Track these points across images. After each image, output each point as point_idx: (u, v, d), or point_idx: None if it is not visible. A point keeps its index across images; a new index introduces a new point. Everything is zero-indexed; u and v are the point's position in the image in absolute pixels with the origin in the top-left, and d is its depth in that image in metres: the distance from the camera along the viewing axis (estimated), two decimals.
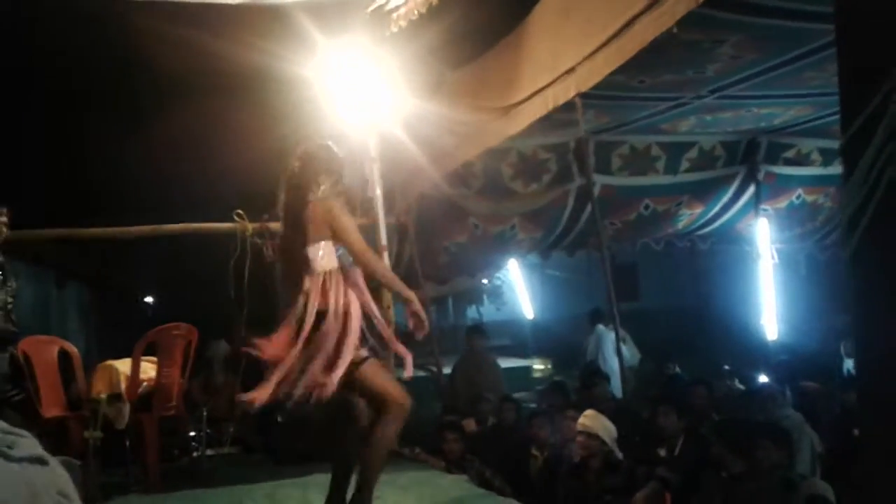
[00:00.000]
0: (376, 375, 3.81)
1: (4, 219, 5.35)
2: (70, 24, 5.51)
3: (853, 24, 1.61)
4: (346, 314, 3.64)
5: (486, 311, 15.86)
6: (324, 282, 3.63)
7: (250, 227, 6.32)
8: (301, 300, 3.62)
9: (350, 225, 3.71)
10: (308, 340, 3.59)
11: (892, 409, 1.62)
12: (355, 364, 3.67)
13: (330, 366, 3.59)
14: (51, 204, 7.12)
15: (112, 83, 6.33)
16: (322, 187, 3.77)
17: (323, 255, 3.66)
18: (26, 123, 6.66)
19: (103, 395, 5.36)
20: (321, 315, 3.60)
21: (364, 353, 3.72)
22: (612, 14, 4.15)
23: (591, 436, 5.07)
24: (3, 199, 5.54)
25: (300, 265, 3.67)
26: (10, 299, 5.47)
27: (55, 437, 5.91)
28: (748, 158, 8.33)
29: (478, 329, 8.62)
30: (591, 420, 5.17)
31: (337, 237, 3.69)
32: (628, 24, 4.04)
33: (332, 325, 3.59)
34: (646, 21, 3.93)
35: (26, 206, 5.96)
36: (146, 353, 5.53)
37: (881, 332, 1.61)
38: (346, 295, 3.67)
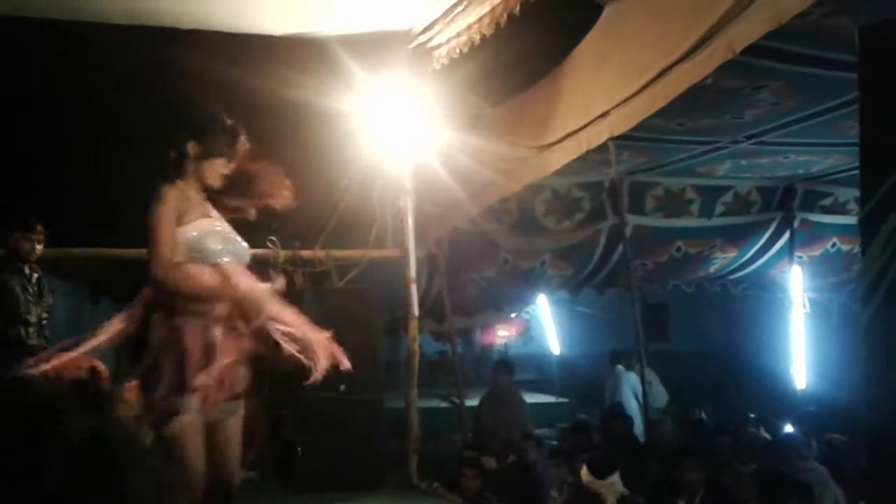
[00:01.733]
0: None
1: (40, 236, 5.47)
2: (111, 59, 5.66)
3: (875, 105, 1.63)
4: None
5: (514, 345, 15.80)
6: None
7: (282, 254, 6.39)
8: None
9: (157, 217, 3.10)
10: None
11: None
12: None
13: None
14: (90, 223, 7.26)
15: (150, 115, 6.47)
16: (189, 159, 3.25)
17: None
18: (69, 148, 6.81)
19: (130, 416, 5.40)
20: None
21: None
22: (647, 62, 4.17)
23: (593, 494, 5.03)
24: (41, 216, 5.68)
25: None
26: (44, 315, 5.59)
27: None
28: (784, 205, 8.27)
29: (504, 364, 8.59)
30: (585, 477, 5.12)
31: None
32: (663, 72, 4.05)
33: None
34: (681, 70, 3.93)
35: (65, 225, 6.10)
36: None
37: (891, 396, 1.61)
38: None
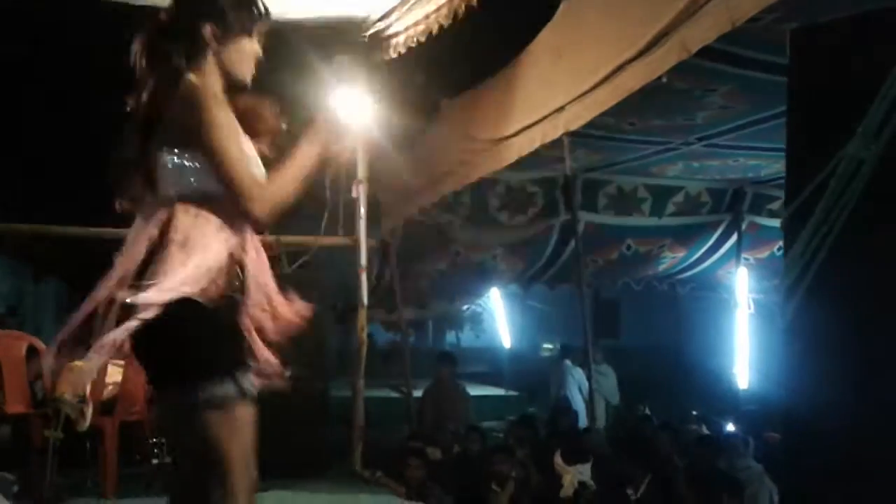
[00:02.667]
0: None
1: None
2: (49, 32, 5.53)
3: (802, 115, 1.67)
4: None
5: (466, 338, 15.86)
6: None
7: None
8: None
9: (224, 126, 2.20)
10: None
11: (818, 472, 1.66)
12: None
13: None
14: (36, 201, 7.12)
15: (96, 89, 6.37)
16: (211, 45, 2.32)
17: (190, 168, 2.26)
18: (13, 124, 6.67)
19: (67, 396, 5.32)
20: None
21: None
22: (602, 59, 4.19)
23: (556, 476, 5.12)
24: None
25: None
26: None
27: (17, 434, 5.89)
28: (733, 207, 8.39)
29: (447, 356, 8.60)
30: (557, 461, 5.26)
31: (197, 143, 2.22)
32: (618, 69, 4.08)
33: None
34: (636, 68, 3.96)
35: (10, 201, 5.98)
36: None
37: (808, 394, 1.66)
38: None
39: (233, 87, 2.38)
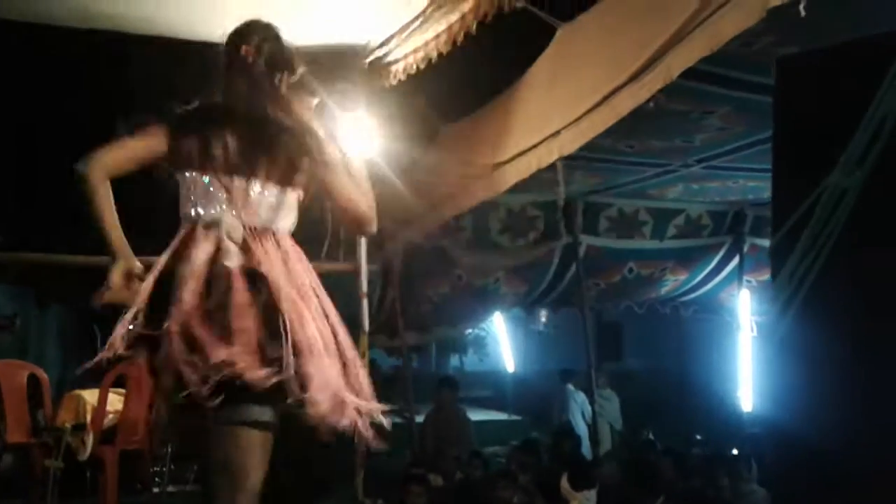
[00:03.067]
0: None
1: None
2: (63, 61, 5.59)
3: (787, 144, 1.69)
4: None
5: (469, 362, 15.82)
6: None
7: None
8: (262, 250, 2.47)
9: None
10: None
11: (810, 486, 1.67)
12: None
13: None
14: (38, 230, 7.15)
15: (99, 114, 6.40)
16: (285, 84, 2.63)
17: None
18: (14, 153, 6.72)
19: (68, 425, 5.32)
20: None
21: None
22: (596, 83, 4.22)
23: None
24: None
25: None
26: None
27: (18, 464, 5.88)
28: (734, 229, 8.40)
29: (448, 381, 8.56)
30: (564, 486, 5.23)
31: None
32: (610, 94, 4.11)
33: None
34: (627, 92, 3.99)
35: (12, 230, 6.01)
36: (115, 385, 5.50)
37: (798, 409, 1.67)
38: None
39: None
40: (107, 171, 2.48)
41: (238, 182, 2.45)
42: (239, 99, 2.52)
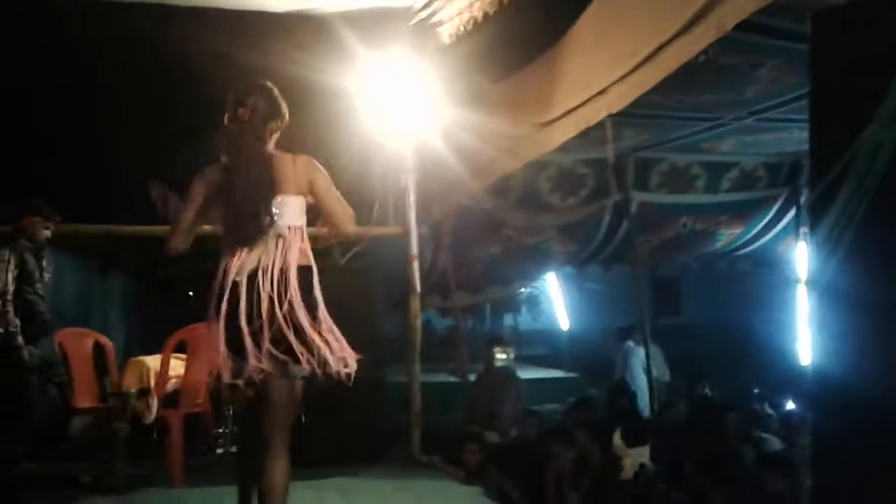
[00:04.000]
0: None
1: (52, 226, 5.56)
2: (116, 38, 5.68)
3: (823, 99, 1.66)
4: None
5: (523, 320, 15.86)
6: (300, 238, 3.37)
7: None
8: (270, 256, 3.25)
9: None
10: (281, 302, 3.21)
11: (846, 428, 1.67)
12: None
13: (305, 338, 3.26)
14: (99, 200, 7.34)
15: (151, 88, 6.51)
16: (274, 136, 3.42)
17: (296, 209, 3.34)
18: (82, 129, 6.87)
19: (133, 390, 5.51)
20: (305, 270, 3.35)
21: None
22: (642, 39, 4.15)
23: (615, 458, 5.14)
24: (53, 194, 5.78)
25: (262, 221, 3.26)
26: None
27: (87, 428, 6.12)
28: (790, 181, 8.23)
29: (496, 341, 8.59)
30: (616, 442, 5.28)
31: (321, 196, 3.39)
32: (658, 49, 4.04)
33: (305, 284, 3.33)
34: (674, 47, 3.92)
35: (75, 201, 6.18)
36: (177, 350, 5.67)
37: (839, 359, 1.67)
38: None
39: None
40: (186, 242, 3.46)
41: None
42: (241, 149, 3.38)
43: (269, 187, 3.30)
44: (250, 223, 3.28)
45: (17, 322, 5.20)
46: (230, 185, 3.36)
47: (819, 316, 1.73)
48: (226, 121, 3.44)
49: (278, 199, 3.28)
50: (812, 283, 1.68)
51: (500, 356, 7.36)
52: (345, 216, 3.54)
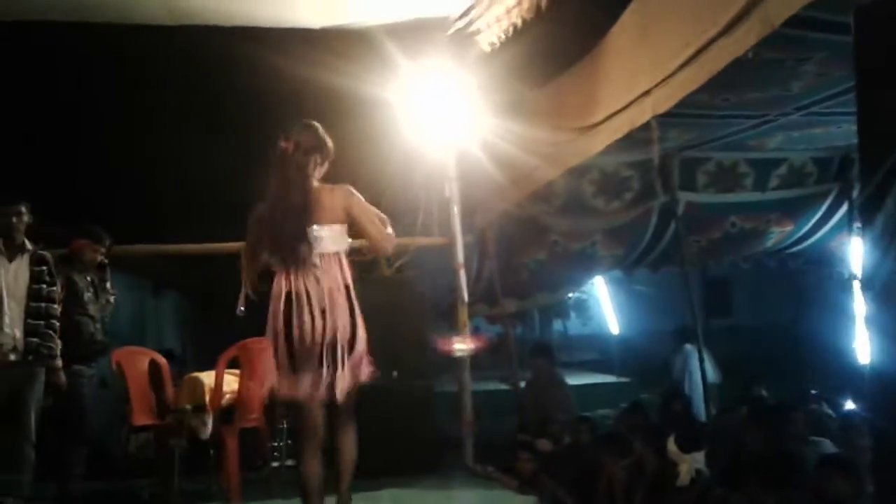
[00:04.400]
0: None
1: (104, 249, 5.73)
2: (156, 50, 5.79)
3: (869, 94, 1.62)
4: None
5: (572, 326, 15.76)
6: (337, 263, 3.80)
7: None
8: (311, 280, 3.70)
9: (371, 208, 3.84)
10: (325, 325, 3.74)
11: None
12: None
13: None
14: (150, 216, 7.48)
15: (198, 106, 6.61)
16: (319, 169, 3.86)
17: (332, 237, 3.77)
18: (126, 144, 7.01)
19: (188, 406, 5.59)
20: (342, 291, 3.80)
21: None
22: (686, 38, 4.11)
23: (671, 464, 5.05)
24: (106, 216, 5.93)
25: (302, 247, 3.70)
26: (105, 315, 5.85)
27: (144, 445, 6.22)
28: (841, 175, 8.05)
29: (540, 348, 8.51)
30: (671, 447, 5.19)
31: (357, 221, 3.80)
32: (703, 48, 3.99)
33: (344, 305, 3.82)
34: (720, 46, 3.87)
35: (128, 222, 6.32)
36: (230, 366, 5.73)
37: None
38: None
39: None
40: (256, 281, 3.86)
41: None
42: (284, 179, 3.76)
43: (306, 216, 3.68)
44: (289, 250, 3.67)
45: (57, 343, 5.32)
46: (273, 212, 3.74)
47: (876, 315, 1.68)
48: (274, 153, 3.80)
49: (314, 227, 3.68)
50: (867, 283, 1.62)
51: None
52: (380, 237, 3.84)
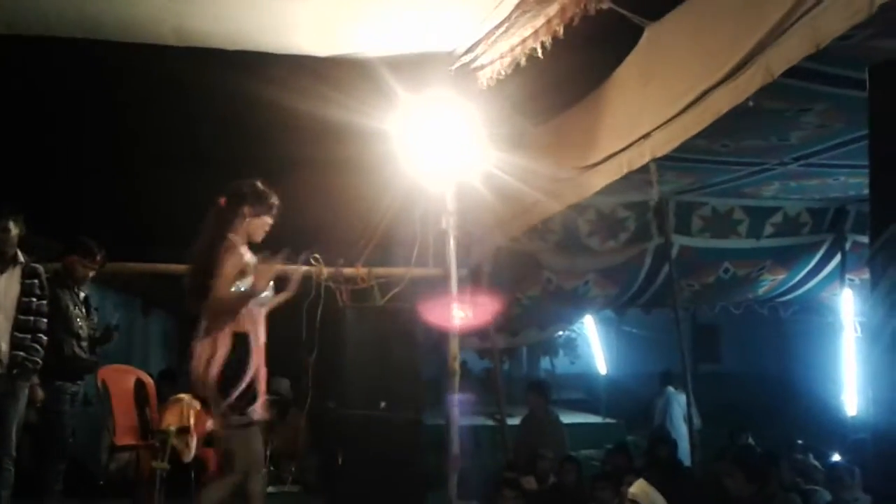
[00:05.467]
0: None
1: (97, 265, 5.68)
2: (149, 77, 5.81)
3: (884, 150, 1.62)
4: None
5: (560, 364, 15.71)
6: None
7: (325, 271, 6.46)
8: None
9: (225, 272, 3.89)
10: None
11: None
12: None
13: None
14: (142, 239, 7.45)
15: (195, 135, 6.63)
16: (244, 220, 4.06)
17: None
18: (120, 169, 7.02)
19: (173, 428, 5.53)
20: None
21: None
22: (688, 84, 4.14)
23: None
24: (97, 233, 5.89)
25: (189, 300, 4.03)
26: (93, 331, 5.77)
27: (126, 465, 6.14)
28: (835, 226, 8.12)
29: (536, 386, 8.51)
30: (636, 488, 5.11)
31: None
32: (704, 94, 4.03)
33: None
34: (721, 92, 3.90)
35: (118, 241, 6.29)
36: None
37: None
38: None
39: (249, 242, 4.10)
40: None
41: None
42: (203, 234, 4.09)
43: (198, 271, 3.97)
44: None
45: (34, 360, 5.27)
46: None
47: (880, 368, 1.67)
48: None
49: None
50: (875, 335, 1.61)
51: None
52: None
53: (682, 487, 5.63)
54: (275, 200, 4.18)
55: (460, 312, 6.62)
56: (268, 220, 4.16)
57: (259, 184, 4.16)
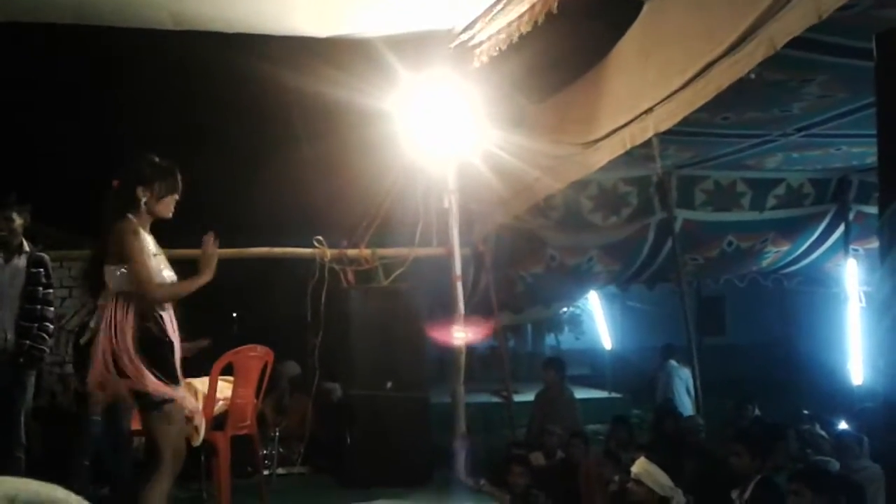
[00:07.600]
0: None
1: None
2: (157, 57, 5.78)
3: (889, 121, 1.61)
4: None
5: (565, 340, 15.73)
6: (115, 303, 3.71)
7: (329, 253, 6.47)
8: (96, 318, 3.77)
9: (136, 257, 3.69)
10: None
11: None
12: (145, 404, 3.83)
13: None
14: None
15: (202, 117, 6.61)
16: (143, 201, 3.80)
17: (112, 277, 3.74)
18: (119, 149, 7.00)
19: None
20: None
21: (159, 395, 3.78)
22: (690, 57, 4.12)
23: (638, 482, 5.00)
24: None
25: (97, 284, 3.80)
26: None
27: (135, 450, 6.16)
28: (838, 197, 8.09)
29: (552, 362, 8.52)
30: (638, 467, 5.11)
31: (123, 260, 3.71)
32: (706, 67, 4.01)
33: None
34: (724, 66, 3.89)
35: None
36: (223, 373, 5.69)
37: None
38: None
39: (158, 220, 3.90)
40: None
41: None
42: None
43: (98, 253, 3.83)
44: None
45: (41, 348, 5.27)
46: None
47: (888, 343, 1.67)
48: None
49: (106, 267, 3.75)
50: (886, 304, 1.61)
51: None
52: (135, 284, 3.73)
53: (687, 461, 5.63)
54: (176, 174, 3.93)
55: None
56: (174, 196, 3.92)
57: (156, 159, 3.91)
